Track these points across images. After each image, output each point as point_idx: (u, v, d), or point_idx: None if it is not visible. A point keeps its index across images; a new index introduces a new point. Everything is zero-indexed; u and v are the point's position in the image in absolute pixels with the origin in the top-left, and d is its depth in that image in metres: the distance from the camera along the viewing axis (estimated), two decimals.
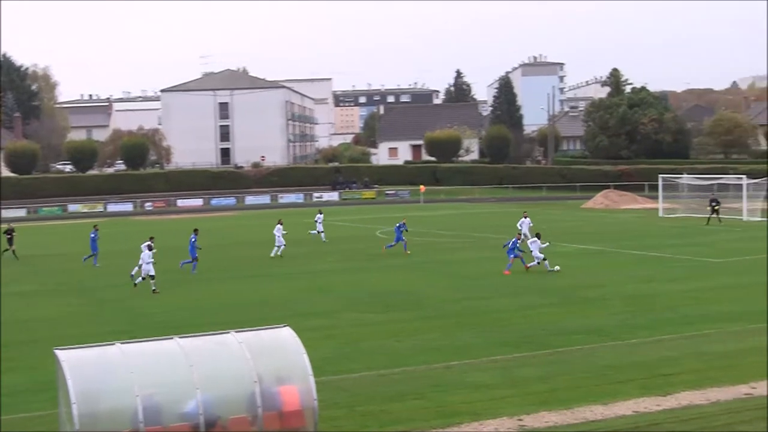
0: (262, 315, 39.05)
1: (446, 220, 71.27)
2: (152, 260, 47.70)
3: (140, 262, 48.39)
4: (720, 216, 79.50)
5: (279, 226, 62.62)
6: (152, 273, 47.38)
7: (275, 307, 42.33)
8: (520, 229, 62.30)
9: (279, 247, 61.94)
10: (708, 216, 79.13)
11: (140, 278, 48.86)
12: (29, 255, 67.08)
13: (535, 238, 52.40)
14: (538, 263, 51.51)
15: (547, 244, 52.38)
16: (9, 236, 66.19)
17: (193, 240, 56.01)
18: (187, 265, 55.56)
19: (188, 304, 43.69)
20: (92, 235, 61.89)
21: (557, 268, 50.61)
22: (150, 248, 47.99)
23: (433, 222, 73.07)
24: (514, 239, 53.65)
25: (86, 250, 63.31)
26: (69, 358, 20.08)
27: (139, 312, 42.46)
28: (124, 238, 79.68)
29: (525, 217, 65.86)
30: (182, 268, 55.77)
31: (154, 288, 47.14)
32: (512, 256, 52.19)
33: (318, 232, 71.62)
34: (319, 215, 73.10)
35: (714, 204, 79.79)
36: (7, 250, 65.76)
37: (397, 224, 63.57)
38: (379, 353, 32.31)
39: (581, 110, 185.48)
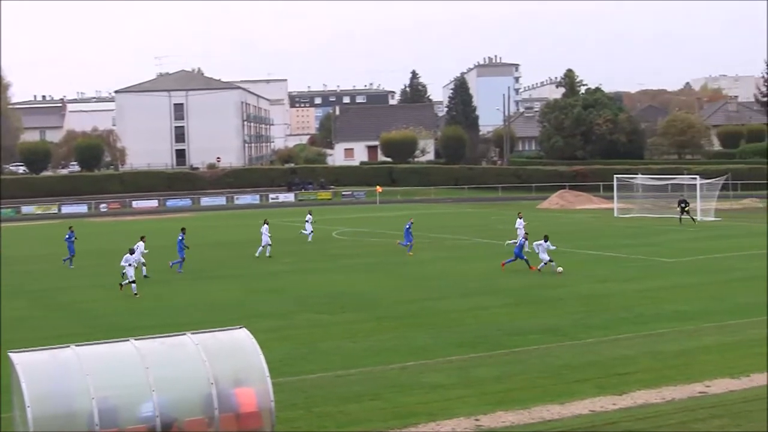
0: (217, 317, 38.90)
1: (402, 221, 71.17)
2: (131, 264, 46.89)
3: (123, 263, 47.34)
4: (693, 216, 79.88)
5: (266, 226, 62.18)
6: (132, 277, 46.62)
7: (230, 308, 42.21)
8: (518, 231, 61.58)
9: (266, 246, 61.71)
10: (679, 216, 79.39)
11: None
12: None
13: (542, 241, 51.32)
14: (545, 265, 50.73)
15: (554, 247, 52.02)
16: None
17: (180, 239, 56.14)
18: (177, 264, 56.00)
19: (142, 306, 43.41)
20: (69, 237, 61.06)
21: (560, 269, 49.93)
22: (132, 252, 47.25)
23: (389, 223, 73.20)
24: (521, 239, 53.99)
25: (37, 251, 62.88)
26: (23, 360, 19.91)
27: (92, 314, 42.18)
28: (78, 240, 79.09)
29: (520, 218, 64.76)
30: (172, 267, 55.83)
31: (135, 292, 46.34)
32: (516, 254, 52.07)
33: (308, 232, 71.45)
34: (309, 216, 72.78)
35: (683, 205, 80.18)
36: None
37: (406, 225, 62.56)
38: (335, 354, 32.28)
39: (536, 111, 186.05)
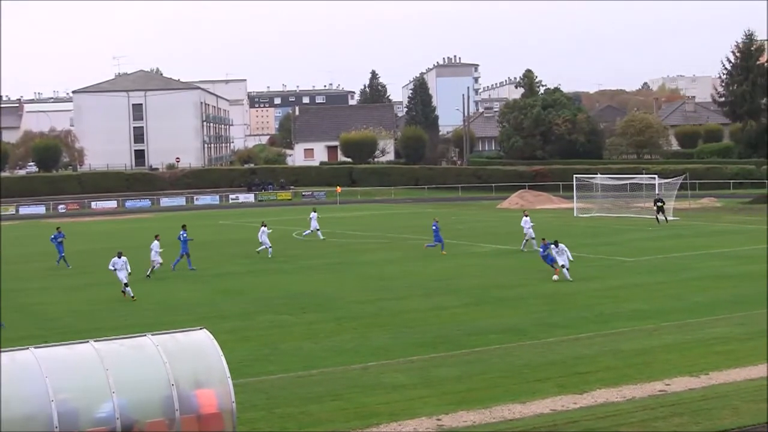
0: (176, 318, 38.77)
1: (362, 221, 71.40)
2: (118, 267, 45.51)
3: (111, 266, 45.94)
4: (666, 215, 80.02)
5: (264, 228, 61.24)
6: (125, 280, 45.21)
7: (191, 309, 42.04)
8: (525, 230, 60.91)
9: (268, 248, 60.49)
10: (656, 216, 79.43)
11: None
12: None
13: (552, 245, 47.87)
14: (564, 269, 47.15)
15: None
16: None
17: (183, 235, 56.32)
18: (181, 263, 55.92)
19: (99, 308, 43.07)
20: (55, 237, 59.84)
21: (556, 277, 47.14)
22: (120, 255, 45.66)
23: (348, 223, 73.16)
24: (543, 245, 49.92)
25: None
26: None
27: (48, 316, 41.91)
28: (34, 241, 78.57)
29: (526, 216, 63.12)
30: (174, 269, 55.54)
31: (131, 295, 45.09)
32: (550, 262, 48.54)
33: (314, 230, 71.14)
34: (313, 213, 72.39)
35: (659, 203, 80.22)
36: None
37: (433, 226, 61.80)
38: (296, 355, 32.24)
39: (496, 111, 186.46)
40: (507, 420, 23.83)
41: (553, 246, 47.70)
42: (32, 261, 64.16)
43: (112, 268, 45.52)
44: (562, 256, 47.13)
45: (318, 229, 71.01)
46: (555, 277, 46.91)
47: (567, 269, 46.85)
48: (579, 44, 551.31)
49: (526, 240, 60.26)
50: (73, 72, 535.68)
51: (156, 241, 53.65)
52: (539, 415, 24.17)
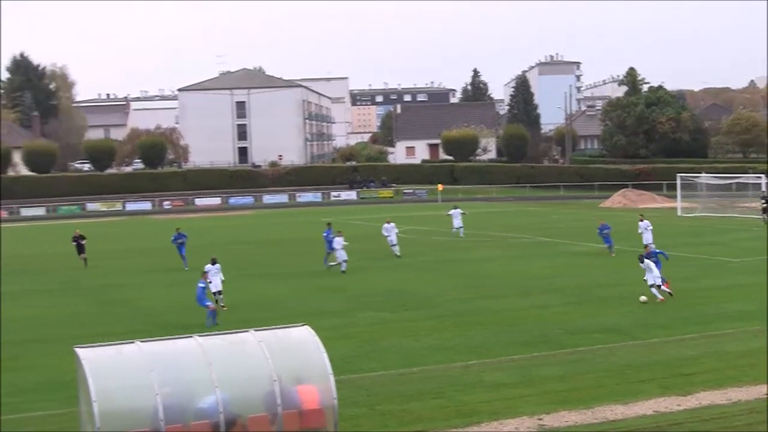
0: (278, 314, 39.03)
1: (462, 219, 71.09)
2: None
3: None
4: None
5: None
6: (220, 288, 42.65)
7: (292, 306, 42.34)
8: (643, 235, 57.07)
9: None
10: (762, 216, 77.38)
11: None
12: (44, 254, 67.09)
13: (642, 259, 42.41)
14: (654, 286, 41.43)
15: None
16: (78, 243, 60.86)
17: (328, 234, 56.02)
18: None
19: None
20: (176, 238, 58.09)
21: (644, 298, 41.15)
22: (214, 261, 43.20)
23: (449, 221, 72.97)
24: (646, 252, 44.08)
25: (104, 247, 63.27)
26: (89, 356, 20.09)
27: (151, 311, 42.57)
28: (140, 238, 79.83)
29: (642, 221, 58.41)
30: (331, 267, 54.76)
31: (222, 304, 42.25)
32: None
33: (458, 227, 70.89)
34: (455, 210, 72.00)
35: (766, 203, 77.76)
36: (82, 257, 60.15)
37: (603, 229, 58.49)
38: (396, 352, 32.31)
39: (598, 109, 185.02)
40: (609, 421, 23.61)
41: (640, 263, 42.08)
42: (135, 257, 65.20)
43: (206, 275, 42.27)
44: (651, 273, 41.23)
45: (460, 227, 70.93)
46: (643, 298, 40.59)
47: (657, 287, 41.02)
48: (683, 42, 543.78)
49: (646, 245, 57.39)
50: (178, 70, 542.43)
51: (339, 237, 53.80)
52: (642, 416, 23.89)
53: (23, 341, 36.75)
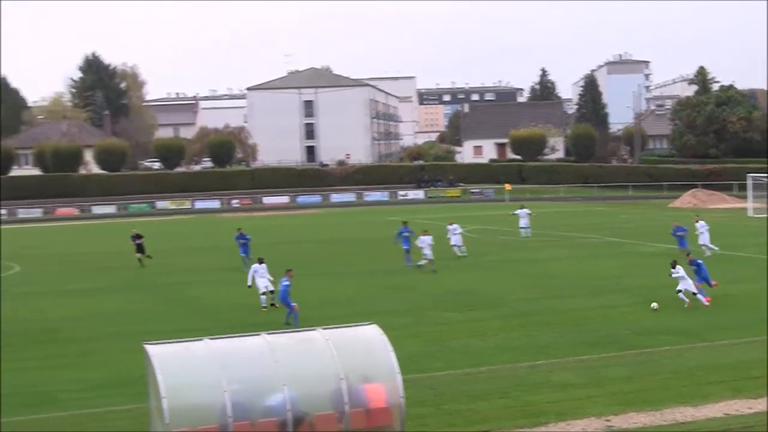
0: (345, 312, 39.05)
1: (530, 219, 70.85)
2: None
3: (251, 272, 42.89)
4: None
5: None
6: (270, 288, 41.99)
7: (359, 304, 42.43)
8: (701, 236, 56.62)
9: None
10: None
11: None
12: (114, 251, 67.72)
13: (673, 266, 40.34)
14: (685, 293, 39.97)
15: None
16: (136, 242, 60.45)
17: (402, 232, 56.05)
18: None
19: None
20: (239, 237, 57.35)
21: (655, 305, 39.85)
22: (261, 261, 42.92)
23: (517, 220, 72.71)
24: (688, 259, 42.78)
25: (172, 245, 63.77)
26: (158, 352, 20.31)
27: (217, 309, 42.87)
28: (207, 236, 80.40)
29: (698, 221, 57.81)
30: (420, 266, 54.40)
31: (264, 305, 41.91)
32: (699, 280, 41.38)
33: (524, 227, 70.63)
34: (522, 210, 71.58)
35: None
36: (146, 256, 59.86)
37: (679, 231, 57.20)
38: (463, 352, 32.30)
39: (668, 109, 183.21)
40: (678, 423, 23.43)
41: (671, 268, 40.12)
42: (204, 255, 65.71)
43: (251, 275, 42.46)
44: (685, 281, 39.77)
45: (527, 227, 70.64)
46: (654, 305, 39.20)
47: (693, 294, 39.56)
48: (754, 41, 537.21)
49: (703, 246, 57.23)
50: (247, 70, 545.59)
51: (427, 236, 53.71)
52: (711, 419, 23.67)
53: (94, 337, 37.22)
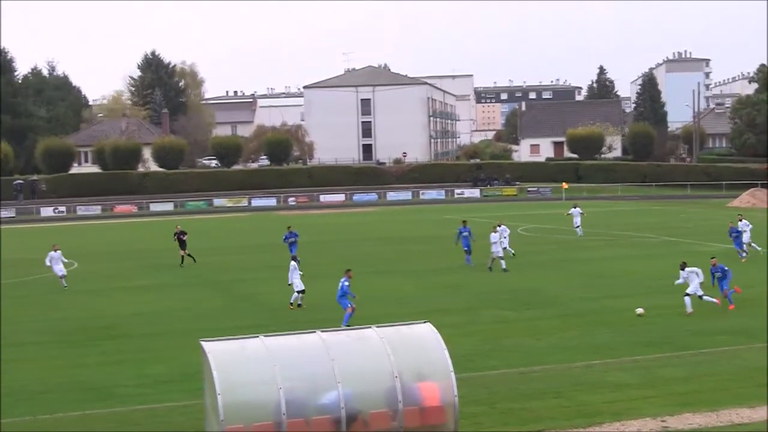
0: (401, 311, 39.13)
1: (586, 218, 70.54)
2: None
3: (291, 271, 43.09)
4: None
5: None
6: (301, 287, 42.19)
7: (414, 302, 42.46)
8: (744, 234, 55.63)
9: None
10: None
11: None
12: (171, 248, 68.08)
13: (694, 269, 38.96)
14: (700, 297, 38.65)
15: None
16: (180, 238, 59.73)
17: (462, 231, 55.85)
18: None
19: (322, 300, 43.10)
20: (287, 237, 57.76)
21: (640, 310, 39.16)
22: (294, 259, 43.71)
23: (571, 220, 72.32)
24: (712, 265, 41.14)
25: (229, 243, 63.88)
26: (214, 349, 20.46)
27: (272, 306, 43.05)
28: (263, 233, 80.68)
29: (741, 220, 56.76)
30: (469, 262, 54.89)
31: (299, 303, 42.18)
32: (724, 287, 40.15)
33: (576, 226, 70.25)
34: (576, 209, 70.77)
35: None
36: (187, 255, 59.37)
37: (731, 230, 56.56)
38: (518, 351, 32.26)
39: (727, 107, 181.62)
40: (735, 424, 23.25)
41: (681, 270, 39.08)
42: (260, 252, 65.97)
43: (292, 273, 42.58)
44: (693, 283, 38.37)
45: (578, 226, 70.37)
46: (639, 310, 38.26)
47: (700, 297, 38.31)
48: None
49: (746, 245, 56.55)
50: (305, 68, 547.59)
51: (496, 233, 53.34)
52: None
53: (151, 334, 37.54)
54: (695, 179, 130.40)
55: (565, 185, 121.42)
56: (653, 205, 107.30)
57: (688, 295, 38.40)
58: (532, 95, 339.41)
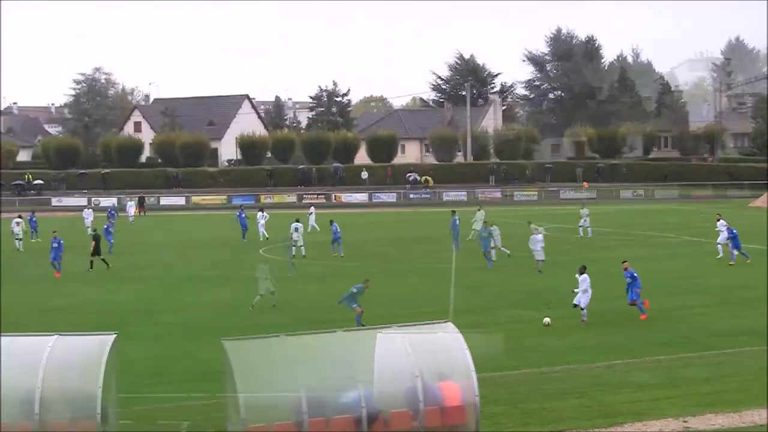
0: (419, 310, 39.11)
1: (607, 217, 70.68)
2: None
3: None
4: None
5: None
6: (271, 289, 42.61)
7: (432, 302, 42.35)
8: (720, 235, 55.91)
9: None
10: None
11: None
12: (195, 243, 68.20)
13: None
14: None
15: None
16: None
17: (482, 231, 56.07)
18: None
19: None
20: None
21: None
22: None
23: (594, 220, 71.99)
24: (624, 268, 40.19)
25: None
26: (235, 348, 20.51)
27: (294, 306, 42.99)
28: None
29: (719, 219, 57.23)
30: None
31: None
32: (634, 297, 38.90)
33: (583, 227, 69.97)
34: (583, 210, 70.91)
35: None
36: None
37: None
38: (538, 351, 32.28)
39: (749, 106, 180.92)
40: (757, 425, 23.20)
41: (578, 275, 38.31)
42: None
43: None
44: (585, 295, 37.60)
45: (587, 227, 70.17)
46: (546, 320, 37.10)
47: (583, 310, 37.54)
48: None
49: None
50: None
51: (538, 234, 52.98)
52: None
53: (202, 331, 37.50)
54: (716, 179, 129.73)
55: (585, 185, 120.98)
56: (674, 205, 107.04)
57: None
58: (552, 94, 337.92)
